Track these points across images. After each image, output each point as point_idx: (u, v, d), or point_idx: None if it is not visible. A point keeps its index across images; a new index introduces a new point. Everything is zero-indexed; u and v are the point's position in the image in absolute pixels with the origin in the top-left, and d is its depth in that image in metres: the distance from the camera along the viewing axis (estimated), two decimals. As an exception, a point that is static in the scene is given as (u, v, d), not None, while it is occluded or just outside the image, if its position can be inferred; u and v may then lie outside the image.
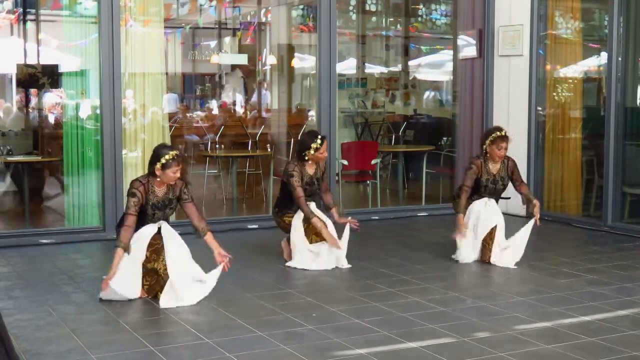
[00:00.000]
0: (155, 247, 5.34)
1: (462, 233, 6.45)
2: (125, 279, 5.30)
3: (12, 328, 4.44)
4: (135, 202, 5.32)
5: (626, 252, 7.00)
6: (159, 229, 5.45)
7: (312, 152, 6.36)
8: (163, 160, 5.32)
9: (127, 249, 5.27)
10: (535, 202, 6.52)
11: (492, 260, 6.41)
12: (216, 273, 5.42)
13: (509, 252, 6.47)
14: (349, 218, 6.49)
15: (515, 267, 6.36)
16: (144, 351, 4.33)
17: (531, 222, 6.48)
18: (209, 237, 5.48)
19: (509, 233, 6.56)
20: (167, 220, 5.53)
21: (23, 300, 5.38)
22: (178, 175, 5.41)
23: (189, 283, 5.34)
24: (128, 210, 5.34)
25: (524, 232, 6.49)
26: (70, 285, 5.77)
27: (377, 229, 8.21)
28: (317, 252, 6.32)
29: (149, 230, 5.40)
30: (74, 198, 7.77)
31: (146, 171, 5.64)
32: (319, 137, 6.45)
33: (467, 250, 6.51)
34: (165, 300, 5.22)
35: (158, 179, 5.38)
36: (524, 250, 6.50)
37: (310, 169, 6.47)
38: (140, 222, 5.40)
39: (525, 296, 5.52)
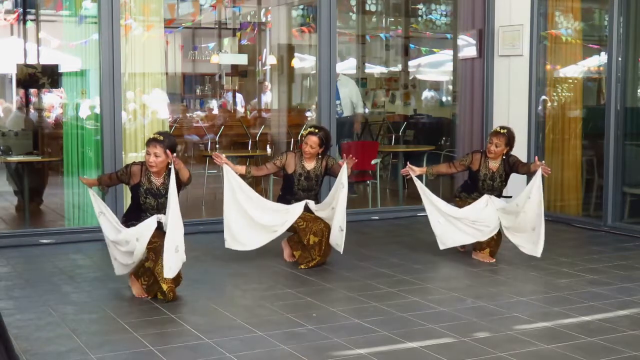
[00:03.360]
0: (154, 245, 5.30)
1: (405, 170, 6.56)
2: None
3: (12, 328, 4.44)
4: (121, 172, 5.59)
5: (626, 252, 7.00)
6: (160, 224, 5.42)
7: (299, 139, 6.44)
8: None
9: (99, 185, 5.77)
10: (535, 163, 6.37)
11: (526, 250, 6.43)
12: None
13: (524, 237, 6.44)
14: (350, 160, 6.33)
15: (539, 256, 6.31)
16: (144, 351, 4.33)
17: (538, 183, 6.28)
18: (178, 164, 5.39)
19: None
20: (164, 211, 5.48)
21: (23, 300, 5.38)
22: (152, 160, 5.35)
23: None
24: (113, 171, 5.79)
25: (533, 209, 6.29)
26: (70, 285, 5.77)
27: (377, 229, 8.21)
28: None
29: (149, 225, 5.33)
30: (74, 198, 7.77)
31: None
32: (309, 129, 6.48)
33: (444, 234, 6.55)
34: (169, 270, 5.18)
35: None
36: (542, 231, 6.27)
37: (308, 164, 6.48)
38: (135, 208, 5.48)
39: (525, 296, 5.52)
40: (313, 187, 6.52)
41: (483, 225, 6.50)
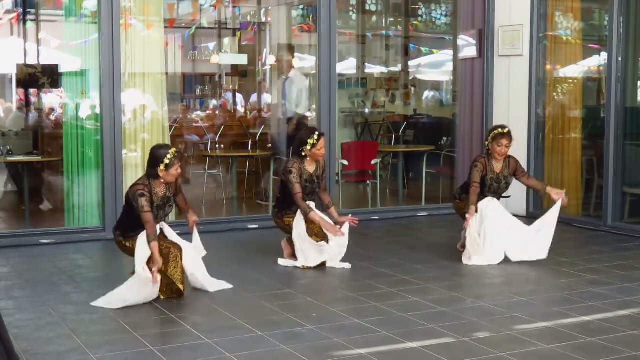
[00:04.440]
0: (160, 247, 5.30)
1: (468, 224, 6.41)
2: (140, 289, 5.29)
3: (12, 328, 4.44)
4: (147, 200, 5.29)
5: (626, 252, 7.00)
6: (161, 230, 5.45)
7: (308, 147, 6.37)
8: (167, 161, 5.33)
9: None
10: (548, 189, 6.65)
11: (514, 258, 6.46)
12: (215, 284, 5.65)
13: (533, 242, 6.51)
14: (349, 216, 6.48)
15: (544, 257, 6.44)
16: (144, 351, 4.33)
17: (557, 206, 6.51)
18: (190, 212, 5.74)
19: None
20: (165, 218, 5.54)
21: (23, 300, 5.38)
22: (179, 171, 5.47)
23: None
24: (144, 209, 5.24)
25: (550, 220, 6.53)
26: (70, 285, 5.77)
27: (377, 229, 8.20)
28: (320, 248, 6.33)
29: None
30: (74, 198, 7.77)
31: (145, 173, 5.62)
32: (316, 133, 6.45)
33: (479, 254, 6.49)
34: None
35: (160, 180, 5.39)
36: (551, 238, 6.52)
37: (310, 167, 6.47)
38: (130, 222, 5.41)
39: (525, 296, 5.51)
40: (315, 190, 6.53)
41: (489, 232, 6.48)
